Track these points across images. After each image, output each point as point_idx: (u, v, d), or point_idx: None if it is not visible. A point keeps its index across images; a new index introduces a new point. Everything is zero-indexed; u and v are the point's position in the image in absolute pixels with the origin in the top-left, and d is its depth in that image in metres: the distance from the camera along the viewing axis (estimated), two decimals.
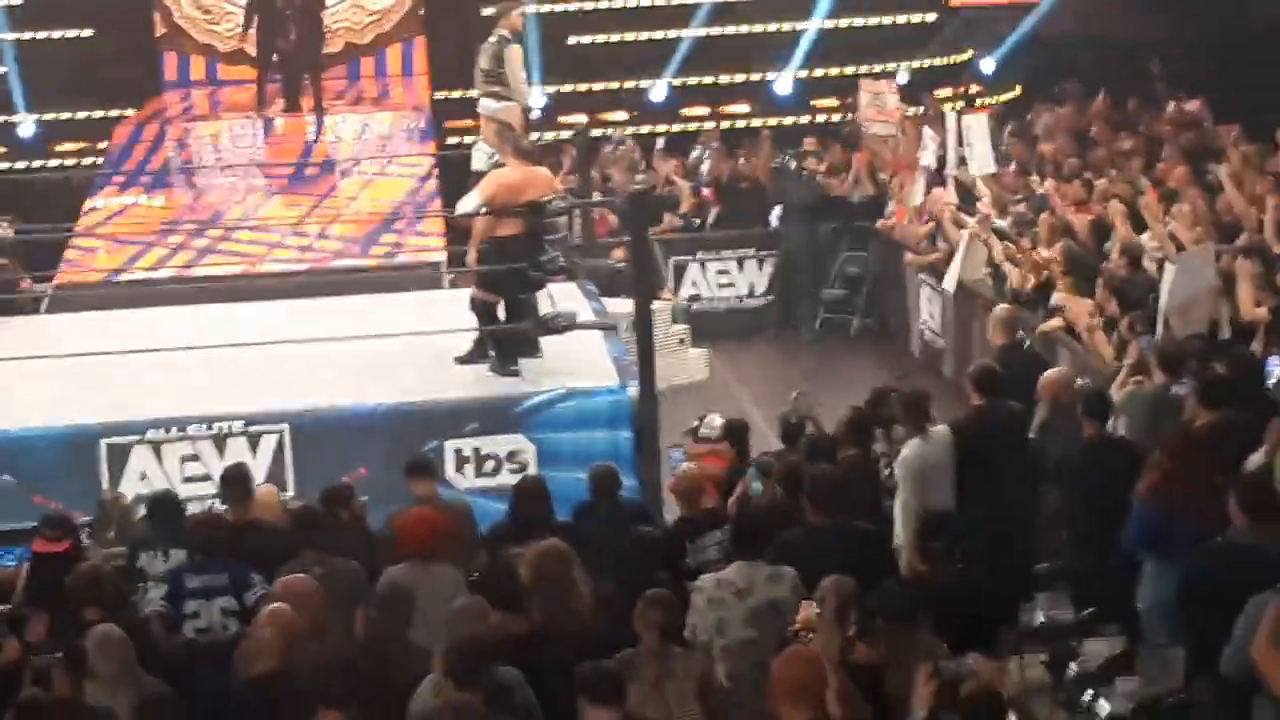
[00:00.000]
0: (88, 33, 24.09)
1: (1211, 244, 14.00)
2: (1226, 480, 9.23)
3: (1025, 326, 14.75)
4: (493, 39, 15.64)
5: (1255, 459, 10.04)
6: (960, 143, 18.61)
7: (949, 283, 17.51)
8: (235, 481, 10.85)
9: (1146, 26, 24.95)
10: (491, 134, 15.38)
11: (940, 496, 10.68)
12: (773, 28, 24.56)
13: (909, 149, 20.02)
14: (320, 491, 10.83)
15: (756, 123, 23.94)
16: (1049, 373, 12.31)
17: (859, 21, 24.68)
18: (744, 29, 24.57)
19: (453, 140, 22.17)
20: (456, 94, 22.62)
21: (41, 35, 23.97)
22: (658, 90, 24.28)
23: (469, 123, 17.20)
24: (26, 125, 23.58)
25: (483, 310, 13.91)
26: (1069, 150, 19.55)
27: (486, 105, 15.58)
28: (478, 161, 15.39)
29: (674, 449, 12.84)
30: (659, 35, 24.44)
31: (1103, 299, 14.37)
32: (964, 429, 11.26)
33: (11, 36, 23.82)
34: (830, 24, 24.38)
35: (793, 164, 21.32)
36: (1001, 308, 14.88)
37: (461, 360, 14.00)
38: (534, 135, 15.65)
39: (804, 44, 24.11)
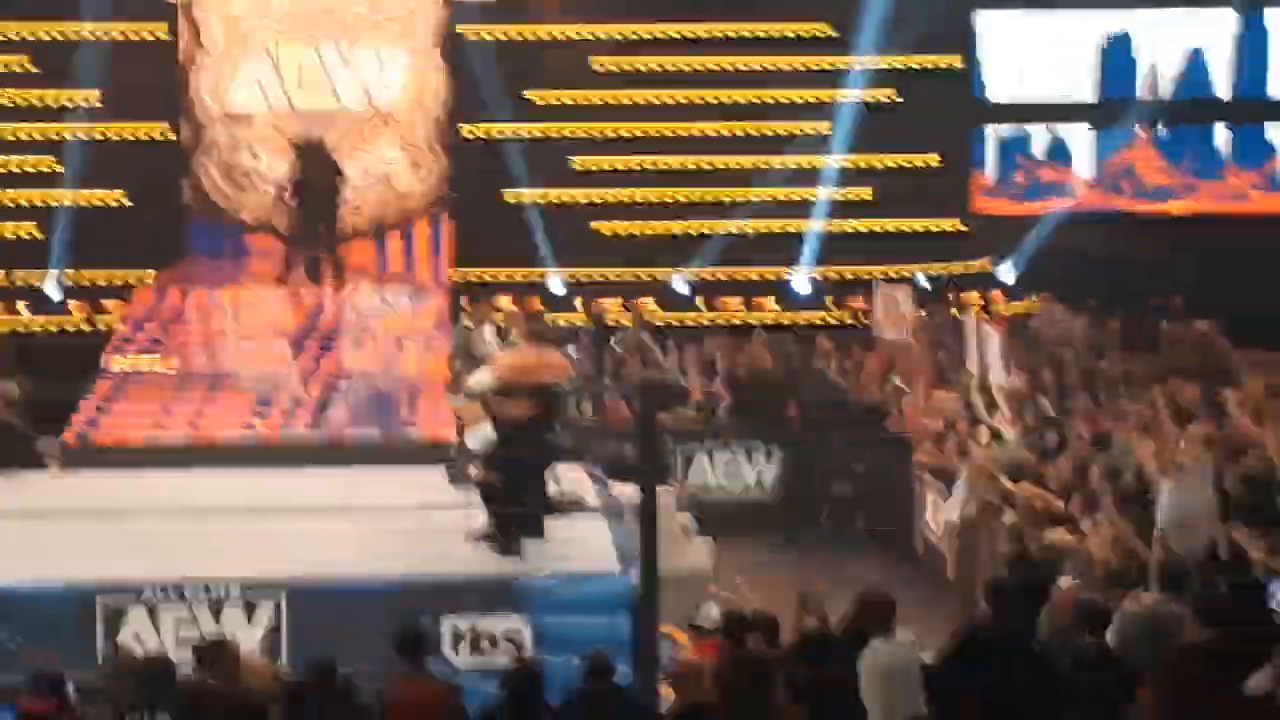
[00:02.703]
0: (117, 197, 24.42)
1: (1209, 464, 13.99)
2: (1226, 702, 9.12)
3: (1032, 536, 14.73)
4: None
5: (1256, 681, 9.92)
6: (977, 350, 18.71)
7: (945, 520, 17.37)
8: (212, 651, 10.72)
9: (1164, 247, 25.19)
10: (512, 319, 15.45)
11: (906, 703, 10.45)
12: (796, 226, 24.84)
13: (922, 354, 20.11)
14: (307, 663, 10.72)
15: (770, 319, 24.11)
16: (1059, 583, 12.25)
17: (878, 226, 24.91)
18: (764, 225, 24.85)
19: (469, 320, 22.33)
20: (475, 272, 22.87)
21: (71, 196, 24.31)
22: (679, 281, 24.49)
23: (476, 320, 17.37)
24: (51, 284, 23.84)
25: (487, 489, 13.89)
26: (1084, 364, 19.68)
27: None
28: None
29: (663, 639, 12.74)
30: (679, 227, 24.70)
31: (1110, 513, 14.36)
32: (971, 637, 11.15)
33: (44, 199, 24.18)
34: (851, 226, 24.65)
35: (805, 362, 21.42)
36: (1010, 515, 14.88)
37: (474, 538, 13.92)
38: (549, 319, 15.68)
39: (811, 243, 24.35)
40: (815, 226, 24.75)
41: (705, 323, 24.23)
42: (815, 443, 20.63)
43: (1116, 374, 19.05)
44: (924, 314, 21.86)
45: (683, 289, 24.57)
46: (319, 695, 10.28)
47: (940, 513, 18.06)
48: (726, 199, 24.78)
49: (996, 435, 17.61)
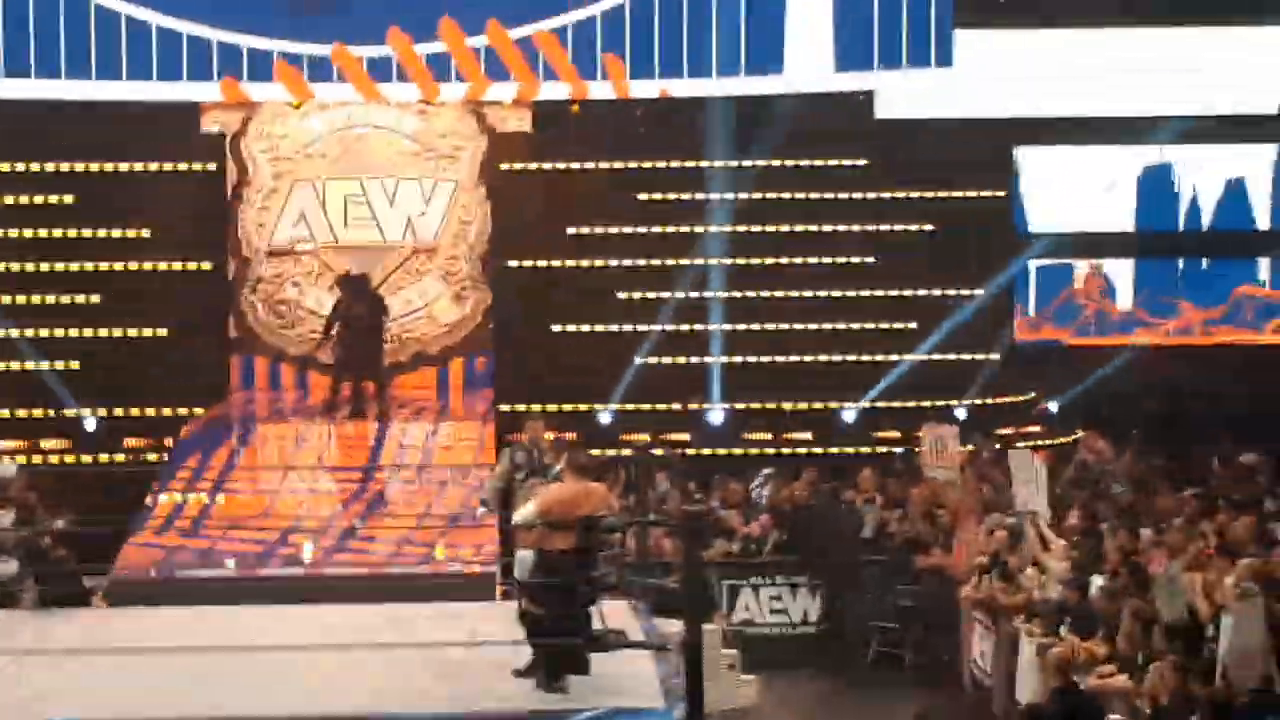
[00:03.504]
0: (162, 331, 24.62)
1: (1261, 598, 13.90)
2: None
3: (1079, 670, 14.62)
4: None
5: None
6: (1018, 483, 18.64)
7: (1026, 696, 17.07)
8: None
9: (1209, 381, 25.17)
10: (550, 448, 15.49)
11: None
12: (841, 358, 24.86)
13: (968, 489, 20.11)
14: None
15: (817, 450, 24.07)
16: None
17: (924, 356, 24.90)
18: (809, 357, 24.88)
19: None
20: (520, 407, 22.94)
21: (117, 333, 24.53)
22: (715, 414, 24.49)
23: (526, 438, 17.50)
24: (91, 419, 23.96)
25: (532, 623, 13.83)
26: (1130, 497, 19.63)
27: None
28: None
29: None
30: (724, 359, 24.72)
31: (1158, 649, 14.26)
32: None
33: (89, 332, 24.41)
34: (897, 358, 24.67)
35: (835, 496, 21.46)
36: (1056, 649, 14.78)
37: (520, 674, 13.87)
38: (593, 451, 15.68)
39: (886, 379, 24.39)
40: (859, 358, 24.81)
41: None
42: (857, 578, 20.57)
43: (1166, 507, 18.97)
44: (970, 449, 21.82)
45: (719, 421, 24.57)
46: None
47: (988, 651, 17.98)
48: (769, 329, 24.85)
49: (1043, 570, 17.51)
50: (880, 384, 24.48)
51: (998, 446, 23.04)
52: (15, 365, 24.34)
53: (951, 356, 25.02)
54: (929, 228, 25.18)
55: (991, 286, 25.53)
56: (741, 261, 25.01)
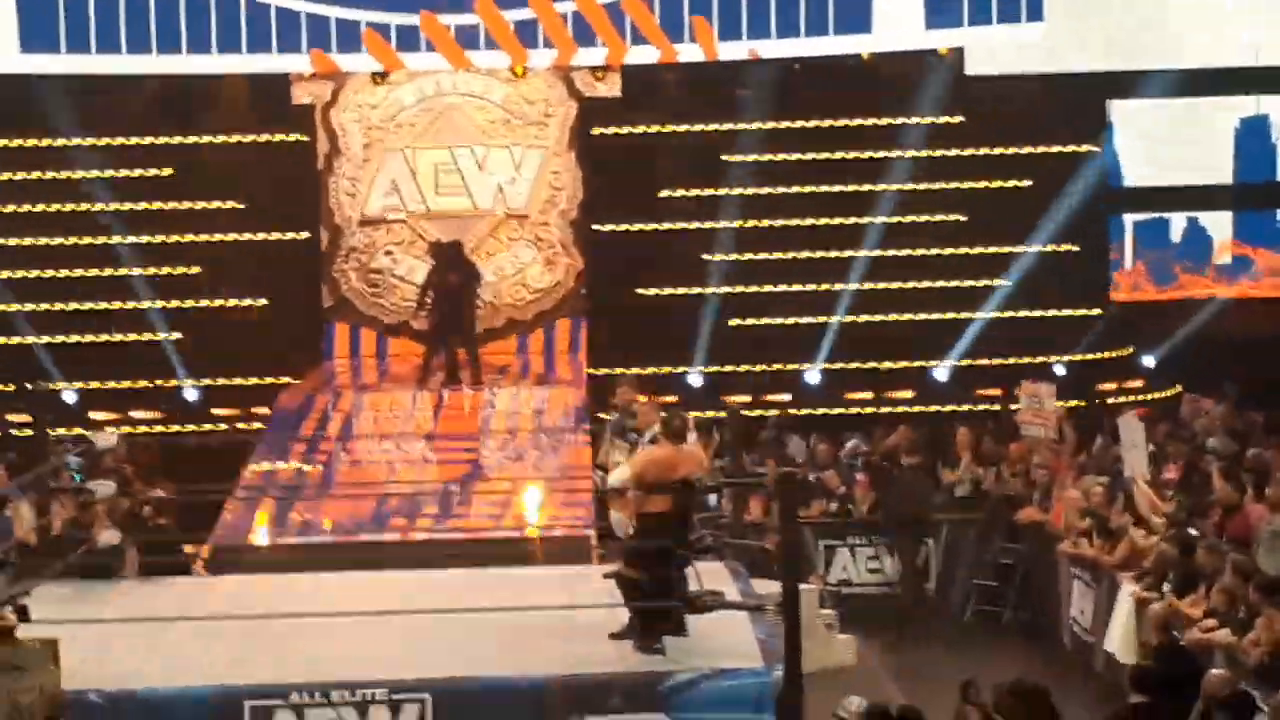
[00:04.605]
0: (257, 302, 24.78)
1: None
2: None
3: (1180, 626, 14.51)
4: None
5: None
6: (1126, 448, 18.50)
7: (1116, 648, 16.93)
8: None
9: None
10: (649, 411, 15.44)
11: None
12: (935, 316, 24.74)
13: (1066, 446, 19.99)
14: None
15: (914, 409, 23.99)
16: (1210, 674, 12.10)
17: (1021, 314, 24.74)
18: (907, 316, 24.77)
19: (606, 416, 22.35)
20: (613, 371, 22.94)
21: (214, 304, 24.73)
22: (811, 374, 24.43)
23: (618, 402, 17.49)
24: (192, 389, 24.17)
25: (629, 586, 13.86)
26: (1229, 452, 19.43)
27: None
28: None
29: None
30: (819, 320, 24.64)
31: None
32: None
33: (187, 304, 24.62)
34: (993, 315, 24.51)
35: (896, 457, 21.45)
36: (1157, 606, 14.66)
37: (617, 636, 13.91)
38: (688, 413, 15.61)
39: (968, 335, 24.23)
40: (954, 316, 24.69)
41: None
42: (959, 536, 20.50)
43: (1264, 462, 18.77)
44: (1067, 405, 21.67)
45: (815, 381, 24.51)
46: None
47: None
48: (860, 290, 24.73)
49: (1145, 527, 17.38)
50: (976, 342, 24.35)
51: (1097, 402, 22.89)
52: (115, 337, 24.55)
53: (1049, 314, 24.85)
54: (1023, 184, 24.96)
55: (1088, 242, 25.30)
56: (832, 221, 24.90)
